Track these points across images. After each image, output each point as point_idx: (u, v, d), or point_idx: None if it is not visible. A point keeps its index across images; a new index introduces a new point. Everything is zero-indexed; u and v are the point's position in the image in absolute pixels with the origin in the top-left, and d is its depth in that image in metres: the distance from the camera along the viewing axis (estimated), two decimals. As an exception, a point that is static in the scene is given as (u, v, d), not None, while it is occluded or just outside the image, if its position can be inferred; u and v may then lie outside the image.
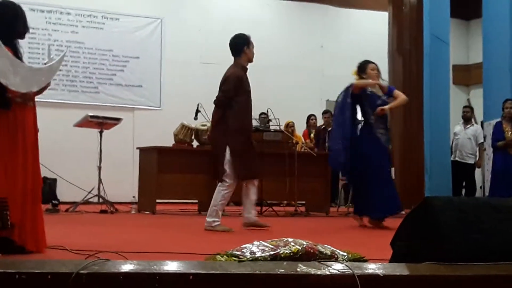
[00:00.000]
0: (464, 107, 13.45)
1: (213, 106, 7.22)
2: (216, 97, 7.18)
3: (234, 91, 7.13)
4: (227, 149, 7.03)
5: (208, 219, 7.05)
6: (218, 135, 7.13)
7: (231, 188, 7.09)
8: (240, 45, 7.41)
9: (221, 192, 7.05)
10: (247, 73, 7.43)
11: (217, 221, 7.02)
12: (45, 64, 4.86)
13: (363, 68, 8.22)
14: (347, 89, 8.17)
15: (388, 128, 8.27)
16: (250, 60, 7.47)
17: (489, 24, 10.79)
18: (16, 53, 4.44)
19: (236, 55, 7.44)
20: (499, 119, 9.86)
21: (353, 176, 8.18)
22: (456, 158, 12.55)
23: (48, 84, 4.71)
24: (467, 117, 12.83)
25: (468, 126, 12.76)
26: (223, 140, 7.08)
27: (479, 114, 12.74)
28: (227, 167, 7.00)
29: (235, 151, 7.01)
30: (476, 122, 13.22)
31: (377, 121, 7.97)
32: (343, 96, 8.18)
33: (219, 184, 7.07)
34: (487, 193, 10.61)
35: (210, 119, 7.38)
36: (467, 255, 3.02)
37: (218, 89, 7.18)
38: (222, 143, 7.08)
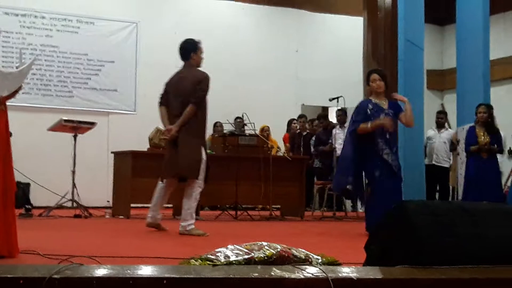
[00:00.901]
0: (438, 112, 13.55)
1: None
2: (197, 96, 7.16)
3: (208, 91, 7.24)
4: (202, 150, 7.09)
5: (182, 224, 7.03)
6: (189, 134, 7.12)
7: (201, 188, 7.14)
8: (187, 51, 7.46)
9: (193, 194, 7.07)
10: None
11: (192, 224, 7.02)
12: (17, 68, 4.82)
13: (367, 78, 7.80)
14: (351, 124, 7.74)
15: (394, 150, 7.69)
16: (199, 65, 7.46)
17: (463, 30, 10.88)
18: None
19: (185, 59, 7.47)
20: (472, 124, 9.91)
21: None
22: (433, 162, 12.66)
23: (20, 88, 4.66)
24: (441, 123, 12.96)
25: (442, 130, 12.88)
26: (199, 140, 7.15)
27: (452, 119, 12.83)
28: (202, 166, 7.07)
29: (195, 151, 7.11)
30: (450, 127, 13.32)
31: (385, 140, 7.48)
32: (348, 131, 7.89)
33: (191, 185, 7.08)
34: (460, 197, 10.69)
35: (168, 117, 7.31)
36: (440, 259, 3.04)
37: (195, 91, 7.13)
38: (197, 143, 7.13)
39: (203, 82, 7.23)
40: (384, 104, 7.54)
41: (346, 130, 12.62)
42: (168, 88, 7.45)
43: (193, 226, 7.00)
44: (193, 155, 7.07)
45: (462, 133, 10.32)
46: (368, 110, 7.43)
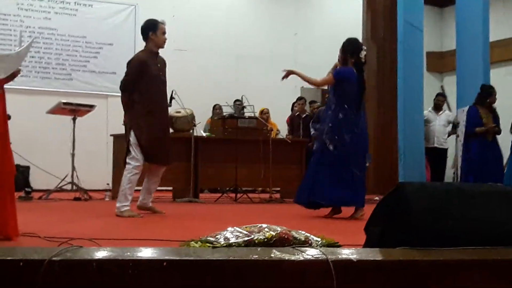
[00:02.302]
0: (438, 94, 13.53)
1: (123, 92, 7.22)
2: (120, 81, 7.19)
3: (136, 75, 7.05)
4: (131, 132, 7.03)
5: (117, 204, 7.02)
6: (127, 118, 7.14)
7: (137, 170, 7.04)
8: (147, 30, 7.28)
9: (126, 176, 7.03)
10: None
11: (126, 205, 6.98)
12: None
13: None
14: None
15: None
16: (159, 45, 7.28)
17: (463, 11, 10.85)
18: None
19: (144, 39, 7.34)
20: (471, 105, 9.79)
21: None
22: (435, 145, 12.65)
23: (19, 71, 4.65)
24: (440, 105, 12.94)
25: (441, 112, 12.87)
26: (129, 123, 7.10)
27: (452, 100, 12.82)
28: (131, 149, 7.02)
29: (138, 134, 7.01)
30: (450, 109, 13.31)
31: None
32: None
33: (125, 167, 7.06)
34: (459, 179, 10.68)
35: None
36: (439, 240, 3.04)
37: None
38: (128, 126, 7.11)
39: (129, 66, 7.17)
40: None
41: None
42: None
43: (127, 208, 6.99)
44: (125, 141, 7.13)
45: (462, 115, 10.30)
46: None
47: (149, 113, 7.07)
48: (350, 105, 7.36)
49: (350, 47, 7.52)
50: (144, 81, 7.05)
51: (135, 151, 7.01)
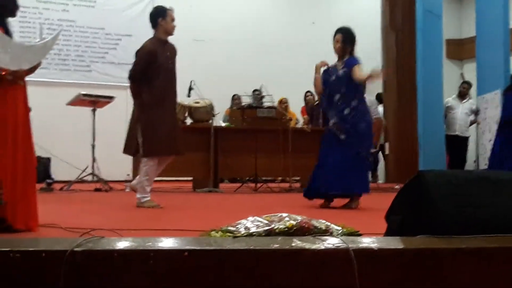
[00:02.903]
0: (463, 82, 13.43)
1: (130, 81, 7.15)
2: (129, 70, 7.09)
3: (145, 65, 6.96)
4: (139, 128, 7.04)
5: (137, 196, 7.06)
6: (135, 109, 7.10)
7: (151, 162, 7.02)
8: (156, 17, 7.19)
9: (143, 169, 7.04)
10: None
11: (146, 196, 7.01)
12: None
13: (334, 36, 7.47)
14: None
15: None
16: (168, 33, 7.19)
17: (482, -2, 10.77)
18: (7, 32, 4.40)
19: (153, 27, 7.24)
20: (506, 90, 9.31)
21: None
22: (457, 132, 12.55)
23: (39, 63, 4.68)
24: (464, 93, 12.83)
25: (464, 100, 12.77)
26: (138, 115, 7.09)
27: (472, 88, 12.73)
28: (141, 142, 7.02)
29: (145, 126, 6.97)
30: (470, 97, 13.22)
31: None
32: None
33: (142, 160, 7.06)
34: (481, 167, 10.61)
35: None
36: (460, 228, 3.03)
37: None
38: (137, 117, 7.09)
39: (138, 55, 7.09)
40: (340, 65, 7.34)
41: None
42: None
43: (147, 199, 7.03)
44: (133, 130, 7.07)
45: (482, 102, 10.23)
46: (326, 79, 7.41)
47: (157, 104, 6.98)
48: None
49: (351, 37, 7.40)
50: (152, 71, 6.96)
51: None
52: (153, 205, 6.94)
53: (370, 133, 7.42)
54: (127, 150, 7.21)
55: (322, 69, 7.49)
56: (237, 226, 3.17)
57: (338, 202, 7.34)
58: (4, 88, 4.31)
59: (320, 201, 7.38)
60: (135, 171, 10.40)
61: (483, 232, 3.04)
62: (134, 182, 7.95)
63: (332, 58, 7.45)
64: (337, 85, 7.24)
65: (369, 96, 13.33)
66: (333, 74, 7.33)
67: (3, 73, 4.28)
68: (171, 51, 7.24)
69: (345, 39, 7.29)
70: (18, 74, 4.40)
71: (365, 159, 7.28)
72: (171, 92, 7.22)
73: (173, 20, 7.19)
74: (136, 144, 7.18)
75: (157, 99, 6.98)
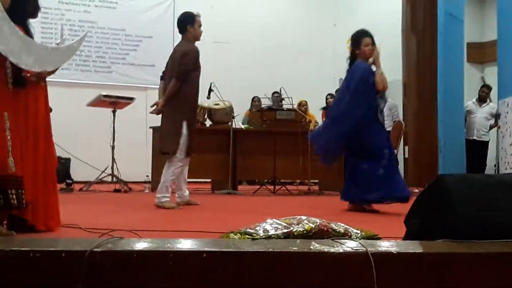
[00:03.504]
0: (483, 86, 13.34)
1: (179, 79, 7.16)
2: (178, 70, 7.12)
3: (193, 65, 7.16)
4: (184, 124, 7.08)
5: (157, 195, 7.11)
6: (174, 109, 7.14)
7: (181, 163, 7.14)
8: (184, 23, 7.32)
9: (171, 167, 7.09)
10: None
11: (167, 197, 7.07)
12: (57, 44, 4.86)
13: (357, 41, 7.30)
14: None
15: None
16: (196, 39, 7.35)
17: (504, 1, 10.67)
18: (28, 33, 4.42)
19: (181, 32, 7.38)
20: None
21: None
22: (474, 137, 12.51)
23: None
24: (484, 97, 12.76)
25: (484, 105, 12.70)
26: (181, 114, 7.12)
27: (493, 91, 12.65)
28: (182, 141, 7.07)
29: (192, 126, 7.18)
30: (490, 100, 13.13)
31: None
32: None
33: (171, 160, 7.10)
34: (501, 172, 10.53)
35: (164, 91, 7.31)
36: (480, 233, 3.01)
37: (179, 65, 7.09)
38: (179, 117, 7.11)
39: (188, 56, 7.17)
40: (373, 67, 7.18)
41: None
42: (167, 63, 7.48)
43: (167, 199, 7.06)
44: (172, 130, 7.10)
45: (503, 106, 10.16)
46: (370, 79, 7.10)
47: (193, 106, 7.28)
48: None
49: (354, 39, 7.34)
50: (195, 73, 7.21)
51: (184, 144, 7.10)
52: (173, 206, 7.01)
53: None
54: (170, 148, 7.23)
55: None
56: (256, 229, 3.17)
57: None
58: (27, 89, 4.34)
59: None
60: (155, 172, 10.44)
61: (503, 237, 3.03)
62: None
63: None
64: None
65: (391, 100, 13.31)
66: (372, 76, 7.12)
67: (28, 74, 4.31)
68: None
69: (373, 41, 7.22)
70: (41, 75, 4.43)
71: None
72: (197, 96, 7.43)
73: (200, 25, 7.35)
74: (173, 143, 7.16)
75: (196, 99, 7.32)
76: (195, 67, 7.18)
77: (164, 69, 7.54)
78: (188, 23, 7.29)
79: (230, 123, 10.24)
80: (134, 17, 14.32)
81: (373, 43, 7.20)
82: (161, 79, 7.61)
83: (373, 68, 7.19)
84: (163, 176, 7.14)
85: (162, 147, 7.29)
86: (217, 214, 6.59)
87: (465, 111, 12.35)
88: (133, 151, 12.92)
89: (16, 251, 2.61)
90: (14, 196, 3.98)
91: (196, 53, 7.21)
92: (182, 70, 7.12)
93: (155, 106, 7.38)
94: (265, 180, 10.89)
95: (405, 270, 2.79)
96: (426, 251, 2.86)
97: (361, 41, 7.21)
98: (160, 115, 7.39)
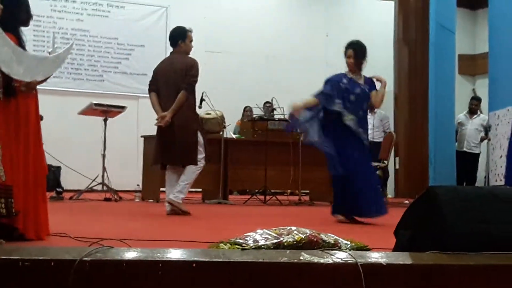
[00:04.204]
0: (472, 98, 13.40)
1: (190, 91, 7.40)
2: (188, 82, 7.30)
3: (197, 77, 7.41)
4: (198, 134, 7.36)
5: (180, 195, 7.26)
6: (188, 119, 7.31)
7: (202, 166, 7.44)
8: (176, 39, 7.53)
9: (195, 172, 7.34)
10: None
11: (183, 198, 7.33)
12: (49, 53, 4.86)
13: (345, 51, 7.32)
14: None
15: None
16: (187, 53, 7.55)
17: (496, 14, 10.72)
18: (20, 41, 4.42)
19: (172, 45, 7.59)
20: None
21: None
22: (464, 149, 12.56)
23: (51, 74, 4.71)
24: (474, 110, 12.83)
25: (475, 116, 12.76)
26: (195, 124, 7.41)
27: (484, 104, 12.71)
28: (201, 149, 7.36)
29: (204, 135, 7.51)
30: (481, 112, 13.18)
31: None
32: None
33: (194, 165, 7.31)
34: (491, 184, 10.56)
35: (159, 104, 7.45)
36: (470, 245, 3.02)
37: (188, 77, 7.26)
38: (193, 127, 7.34)
39: (193, 68, 7.35)
40: (360, 79, 7.21)
41: (375, 115, 12.61)
42: (157, 75, 7.58)
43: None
44: (190, 141, 7.25)
45: (494, 118, 10.19)
46: (341, 84, 7.12)
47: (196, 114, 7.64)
48: None
49: (362, 51, 7.34)
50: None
51: (203, 152, 7.40)
52: (187, 211, 7.23)
53: None
54: (193, 161, 7.35)
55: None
56: (245, 239, 3.17)
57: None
58: (17, 98, 4.33)
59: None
60: (145, 181, 10.43)
61: (493, 249, 3.03)
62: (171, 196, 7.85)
63: (344, 70, 7.39)
64: (362, 99, 7.15)
65: (382, 111, 13.34)
66: (357, 87, 7.15)
67: (17, 84, 4.30)
68: None
69: (357, 53, 7.23)
70: (31, 85, 4.42)
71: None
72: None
73: (191, 41, 7.55)
74: (183, 154, 7.29)
75: (195, 109, 7.61)
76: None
77: (151, 79, 7.58)
78: (179, 39, 7.48)
79: (221, 133, 10.24)
80: (126, 26, 14.33)
81: (357, 55, 7.19)
82: (150, 91, 7.57)
83: (376, 82, 7.32)
84: (186, 178, 7.31)
85: (184, 160, 7.32)
86: (207, 224, 6.58)
87: (456, 123, 12.40)
88: (124, 160, 12.90)
89: (5, 260, 2.60)
90: (3, 205, 3.97)
91: (198, 65, 7.43)
92: (192, 81, 7.34)
93: (161, 119, 7.36)
94: (256, 190, 10.88)
95: (395, 281, 2.79)
96: (416, 263, 2.86)
97: (344, 52, 7.30)
98: (155, 127, 7.46)
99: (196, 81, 7.37)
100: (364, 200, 6.89)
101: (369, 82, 7.28)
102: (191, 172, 7.29)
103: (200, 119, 8.59)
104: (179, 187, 7.24)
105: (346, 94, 7.09)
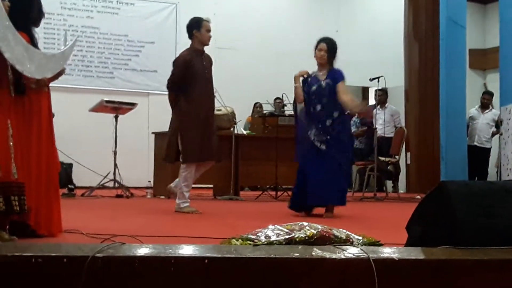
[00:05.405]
0: (484, 93, 13.35)
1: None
2: (167, 80, 7.31)
3: (181, 74, 7.18)
4: (179, 134, 7.23)
5: (177, 201, 7.21)
6: (173, 118, 7.30)
7: (189, 169, 7.20)
8: (190, 28, 7.40)
9: (181, 175, 7.24)
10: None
11: (185, 202, 7.17)
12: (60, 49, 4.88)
13: (316, 45, 7.49)
14: None
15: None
16: (204, 43, 7.42)
17: (506, 8, 10.66)
18: (32, 39, 4.44)
19: (189, 37, 7.46)
20: None
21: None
22: (475, 143, 12.52)
23: (63, 70, 4.73)
24: (486, 104, 12.78)
25: (486, 111, 12.72)
26: (176, 123, 7.26)
27: (495, 98, 12.65)
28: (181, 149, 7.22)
29: (183, 134, 7.18)
30: (493, 107, 13.13)
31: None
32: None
33: (181, 166, 7.26)
34: (503, 178, 10.51)
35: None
36: (482, 239, 3.01)
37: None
38: (176, 126, 7.24)
39: (173, 65, 7.31)
40: (323, 75, 7.30)
41: (386, 110, 12.59)
42: None
43: (186, 205, 7.22)
44: (171, 139, 7.25)
45: (506, 113, 10.14)
46: (308, 79, 7.39)
47: (194, 112, 7.20)
48: None
49: (334, 48, 7.39)
50: (189, 80, 7.17)
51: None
52: (192, 211, 7.10)
53: (352, 144, 7.51)
54: (167, 158, 7.38)
55: (301, 79, 7.51)
56: (257, 234, 3.17)
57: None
58: (29, 96, 4.35)
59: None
60: (157, 177, 10.45)
61: (505, 243, 3.02)
62: (172, 185, 8.26)
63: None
64: (319, 95, 7.18)
65: (393, 106, 13.30)
66: (315, 83, 7.27)
67: (26, 82, 4.31)
68: (207, 61, 7.50)
69: (330, 48, 7.26)
70: (41, 82, 4.44)
71: (346, 171, 7.31)
72: (209, 101, 7.48)
73: (208, 30, 7.40)
74: (175, 152, 7.31)
75: (193, 107, 7.21)
76: (185, 76, 7.18)
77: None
78: (194, 28, 7.35)
79: (232, 129, 10.24)
80: (136, 23, 14.32)
81: (329, 50, 7.36)
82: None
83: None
84: (178, 182, 7.43)
85: (164, 156, 7.43)
86: (219, 220, 6.58)
87: (468, 117, 12.35)
88: (135, 157, 12.91)
89: (18, 257, 2.61)
90: (16, 203, 3.99)
91: (182, 61, 7.24)
92: (169, 79, 7.32)
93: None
94: (267, 186, 10.88)
95: (407, 276, 2.78)
96: (428, 258, 2.86)
97: (315, 46, 7.52)
98: (166, 123, 7.53)
99: (173, 80, 7.23)
100: (310, 188, 7.09)
101: (333, 75, 7.29)
102: (179, 176, 7.33)
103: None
104: (177, 194, 7.33)
105: (307, 89, 7.37)
